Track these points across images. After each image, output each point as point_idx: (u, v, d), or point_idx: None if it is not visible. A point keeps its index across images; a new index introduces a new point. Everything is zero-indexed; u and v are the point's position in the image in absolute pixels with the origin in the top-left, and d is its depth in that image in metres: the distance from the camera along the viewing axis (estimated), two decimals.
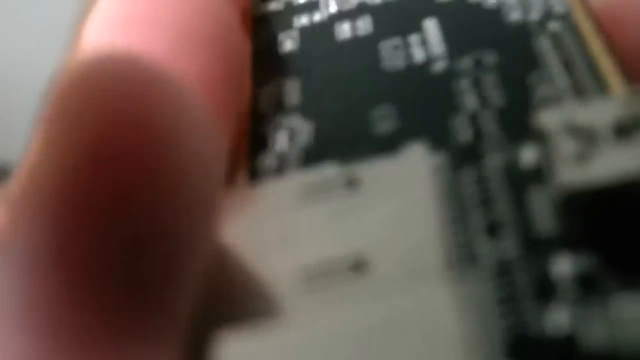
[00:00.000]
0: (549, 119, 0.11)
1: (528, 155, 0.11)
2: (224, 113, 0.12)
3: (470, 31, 0.14)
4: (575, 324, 0.09)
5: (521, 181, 0.11)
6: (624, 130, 0.10)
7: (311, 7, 0.15)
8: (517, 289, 0.10)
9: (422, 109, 0.13)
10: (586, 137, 0.10)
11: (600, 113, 0.11)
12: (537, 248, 0.10)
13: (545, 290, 0.10)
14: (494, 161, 0.12)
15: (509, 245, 0.10)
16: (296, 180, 0.12)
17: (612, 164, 0.10)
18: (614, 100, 0.11)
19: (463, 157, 0.12)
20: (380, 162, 0.12)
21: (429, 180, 0.11)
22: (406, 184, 0.11)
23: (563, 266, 0.10)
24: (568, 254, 0.10)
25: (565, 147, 0.10)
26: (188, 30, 0.12)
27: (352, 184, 0.11)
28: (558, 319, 0.09)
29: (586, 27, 0.13)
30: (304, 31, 0.15)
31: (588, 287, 0.09)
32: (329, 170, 0.12)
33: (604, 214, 0.10)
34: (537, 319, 0.09)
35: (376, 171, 0.12)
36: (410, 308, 0.09)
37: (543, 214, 0.11)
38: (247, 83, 0.14)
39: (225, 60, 0.13)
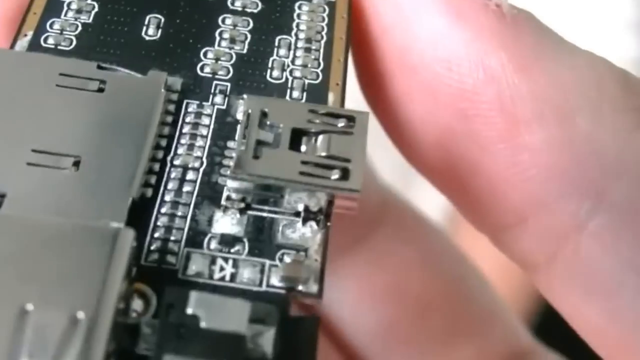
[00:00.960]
0: (252, 102, 0.14)
1: (241, 110, 0.15)
2: None
3: None
4: None
5: (227, 130, 0.14)
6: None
7: None
8: None
9: (185, 28, 0.15)
10: (272, 134, 0.14)
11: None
12: None
13: None
14: (215, 102, 0.15)
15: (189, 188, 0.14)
16: (59, 64, 0.14)
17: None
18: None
19: (193, 92, 0.15)
20: (129, 76, 0.15)
21: (155, 104, 0.14)
22: (138, 102, 0.14)
23: None
24: None
25: (253, 134, 0.14)
26: None
27: (100, 86, 0.14)
28: None
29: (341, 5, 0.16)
30: None
31: None
32: (88, 68, 0.14)
33: None
34: None
35: (122, 83, 0.14)
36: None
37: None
38: None
39: None
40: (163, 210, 0.13)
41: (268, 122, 0.14)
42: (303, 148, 0.14)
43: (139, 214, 0.13)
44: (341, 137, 0.14)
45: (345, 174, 0.13)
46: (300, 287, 0.13)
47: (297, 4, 0.16)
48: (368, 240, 0.20)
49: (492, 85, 0.15)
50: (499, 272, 0.35)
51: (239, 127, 0.14)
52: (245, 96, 0.14)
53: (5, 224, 0.12)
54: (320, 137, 0.14)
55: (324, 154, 0.13)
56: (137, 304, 0.12)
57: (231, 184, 0.14)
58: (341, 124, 0.14)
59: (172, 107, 0.14)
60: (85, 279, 0.11)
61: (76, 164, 0.13)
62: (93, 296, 0.11)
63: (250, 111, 0.14)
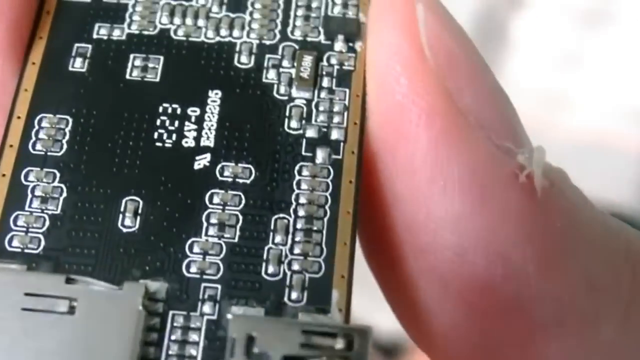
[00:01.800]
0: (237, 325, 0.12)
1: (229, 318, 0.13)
2: None
3: (245, 128, 0.14)
4: None
5: (219, 347, 0.13)
6: None
7: (115, 13, 0.15)
8: None
9: (168, 213, 0.14)
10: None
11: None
12: None
13: None
14: (204, 312, 0.13)
15: None
16: (22, 282, 0.13)
17: None
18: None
19: (178, 300, 0.13)
20: (100, 290, 0.13)
21: (134, 325, 0.12)
22: (114, 324, 0.12)
23: None
24: None
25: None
26: None
27: (70, 306, 0.13)
28: None
29: (349, 168, 0.14)
30: (97, 51, 0.15)
31: None
32: (55, 284, 0.13)
33: None
34: None
35: (94, 302, 0.13)
36: None
37: None
38: None
39: None
40: None
41: (256, 350, 0.12)
42: None
43: None
44: None
45: None
46: None
47: (296, 167, 0.14)
48: None
49: (511, 282, 0.13)
50: None
51: (229, 345, 0.12)
52: (230, 316, 0.12)
53: None
54: None
55: None
56: None
57: None
58: (340, 344, 0.12)
59: (156, 322, 0.13)
60: None
61: None
62: None
63: (235, 336, 0.12)
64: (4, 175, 0.14)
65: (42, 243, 0.13)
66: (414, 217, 0.13)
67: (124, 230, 0.13)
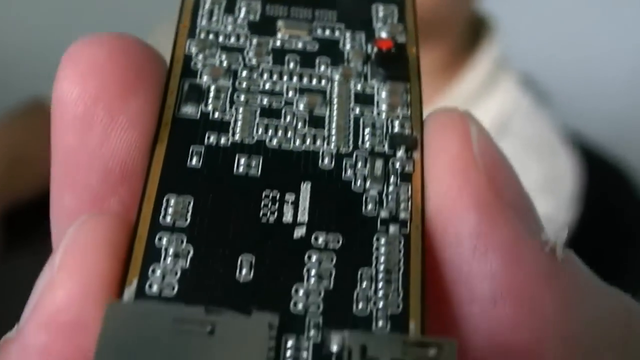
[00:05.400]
0: (353, 339, 0.16)
1: (334, 343, 0.16)
2: None
3: (331, 208, 0.18)
4: None
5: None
6: None
7: (220, 126, 0.19)
8: None
9: (275, 267, 0.17)
10: None
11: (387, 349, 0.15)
12: None
13: None
14: (311, 337, 0.16)
15: None
16: (171, 311, 0.16)
17: None
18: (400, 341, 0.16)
19: (289, 327, 0.16)
20: (235, 318, 0.16)
21: (263, 345, 0.16)
22: (247, 343, 0.16)
23: None
24: None
25: None
26: None
27: (211, 328, 0.16)
28: None
29: (415, 238, 0.18)
30: (209, 153, 0.19)
31: None
32: (197, 313, 0.16)
33: None
34: None
35: (230, 325, 0.16)
36: None
37: None
38: None
39: None
40: None
41: (368, 356, 0.15)
42: None
43: None
44: None
45: None
46: None
47: (375, 237, 0.18)
48: None
49: (531, 323, 0.17)
50: None
51: (334, 359, 0.16)
52: (345, 334, 0.16)
53: None
54: None
55: None
56: None
57: None
58: (432, 352, 0.15)
59: (273, 343, 0.16)
60: None
61: None
62: None
63: (352, 347, 0.15)
64: (140, 237, 0.17)
65: (176, 288, 0.17)
66: (459, 274, 0.17)
67: (242, 280, 0.17)
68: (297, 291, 0.17)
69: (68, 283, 0.16)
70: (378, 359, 0.15)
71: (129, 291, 0.17)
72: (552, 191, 0.71)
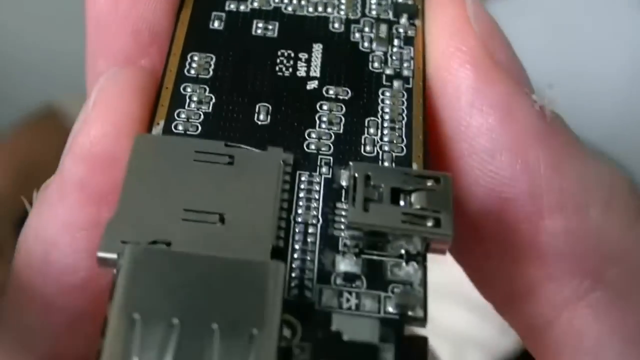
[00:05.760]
0: (358, 168, 0.17)
1: (344, 178, 0.18)
2: None
3: (341, 66, 0.20)
4: None
5: (334, 194, 0.18)
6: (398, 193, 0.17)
7: None
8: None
9: (290, 114, 0.19)
10: (376, 192, 0.17)
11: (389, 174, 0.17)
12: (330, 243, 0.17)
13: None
14: (323, 173, 0.18)
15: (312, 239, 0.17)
16: (194, 143, 0.18)
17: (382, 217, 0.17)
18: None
19: (302, 166, 0.18)
20: (252, 151, 0.18)
21: (278, 174, 0.17)
22: (262, 172, 0.17)
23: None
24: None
25: (360, 193, 0.17)
26: None
27: (230, 160, 0.17)
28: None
29: (417, 92, 0.19)
30: (229, 17, 0.20)
31: None
32: (218, 146, 0.18)
33: None
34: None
35: (247, 157, 0.18)
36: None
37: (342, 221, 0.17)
38: None
39: None
40: (295, 256, 0.17)
41: (372, 183, 0.17)
42: (401, 203, 0.17)
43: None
44: (431, 193, 0.17)
45: (438, 223, 0.16)
46: (410, 313, 0.16)
47: (380, 90, 0.19)
48: None
49: (527, 176, 0.18)
50: None
51: (343, 191, 0.17)
52: (351, 163, 0.17)
53: (179, 260, 0.15)
54: (414, 194, 0.17)
55: (419, 207, 0.17)
56: (285, 332, 0.15)
57: (347, 232, 0.17)
58: (429, 183, 0.17)
59: (288, 177, 0.18)
60: (252, 302, 0.14)
61: (221, 220, 0.16)
62: (262, 315, 0.14)
63: (357, 175, 0.17)
64: (167, 88, 0.19)
65: (199, 129, 0.18)
66: (458, 129, 0.19)
67: (259, 123, 0.19)
68: (309, 135, 0.19)
69: (101, 119, 0.18)
70: (380, 186, 0.17)
71: (157, 130, 0.18)
72: None
